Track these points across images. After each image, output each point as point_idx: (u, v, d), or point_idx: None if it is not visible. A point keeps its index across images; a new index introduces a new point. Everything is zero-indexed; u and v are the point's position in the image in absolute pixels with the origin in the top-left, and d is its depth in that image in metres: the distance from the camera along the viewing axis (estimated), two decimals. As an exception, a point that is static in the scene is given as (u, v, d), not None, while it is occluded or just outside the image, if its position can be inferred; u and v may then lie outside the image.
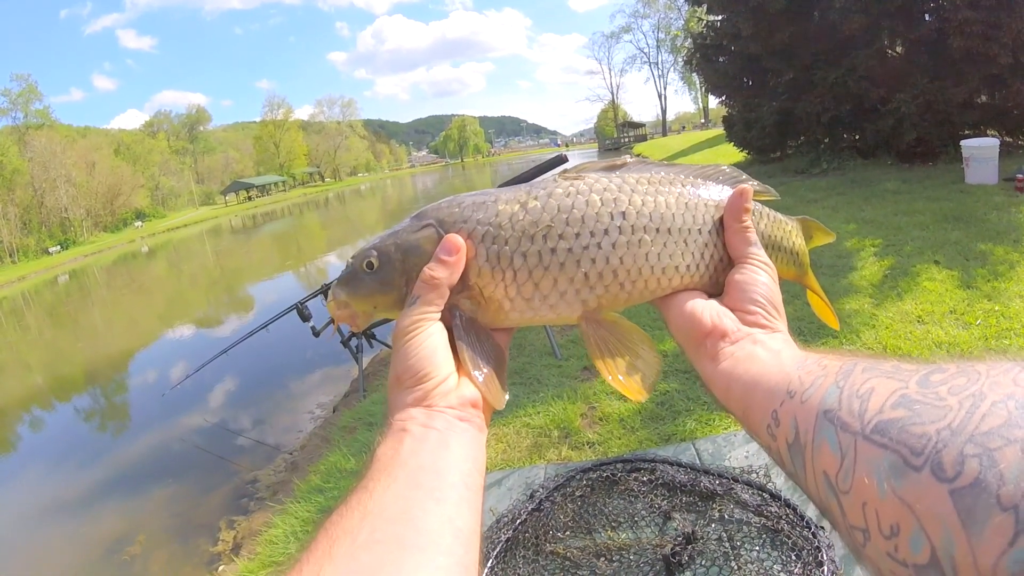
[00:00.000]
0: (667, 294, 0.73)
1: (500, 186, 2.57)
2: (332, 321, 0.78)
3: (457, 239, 0.69)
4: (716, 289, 0.73)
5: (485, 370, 0.67)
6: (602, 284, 0.69)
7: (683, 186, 0.74)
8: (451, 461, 0.59)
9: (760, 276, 0.70)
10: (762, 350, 0.63)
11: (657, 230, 0.70)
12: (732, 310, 0.69)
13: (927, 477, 0.36)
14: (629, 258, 0.69)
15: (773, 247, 0.78)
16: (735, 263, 0.73)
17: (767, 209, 0.80)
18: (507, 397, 0.68)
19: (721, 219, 0.74)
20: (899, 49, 12.32)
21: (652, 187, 0.72)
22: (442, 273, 0.67)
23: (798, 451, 0.51)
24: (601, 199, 0.70)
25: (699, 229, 0.72)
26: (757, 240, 0.73)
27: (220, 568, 4.03)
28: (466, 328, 0.69)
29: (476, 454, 0.62)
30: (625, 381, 0.68)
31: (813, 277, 0.87)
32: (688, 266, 0.72)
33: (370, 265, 0.72)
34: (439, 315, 0.68)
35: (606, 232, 0.69)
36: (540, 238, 0.69)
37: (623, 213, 0.70)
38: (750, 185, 0.76)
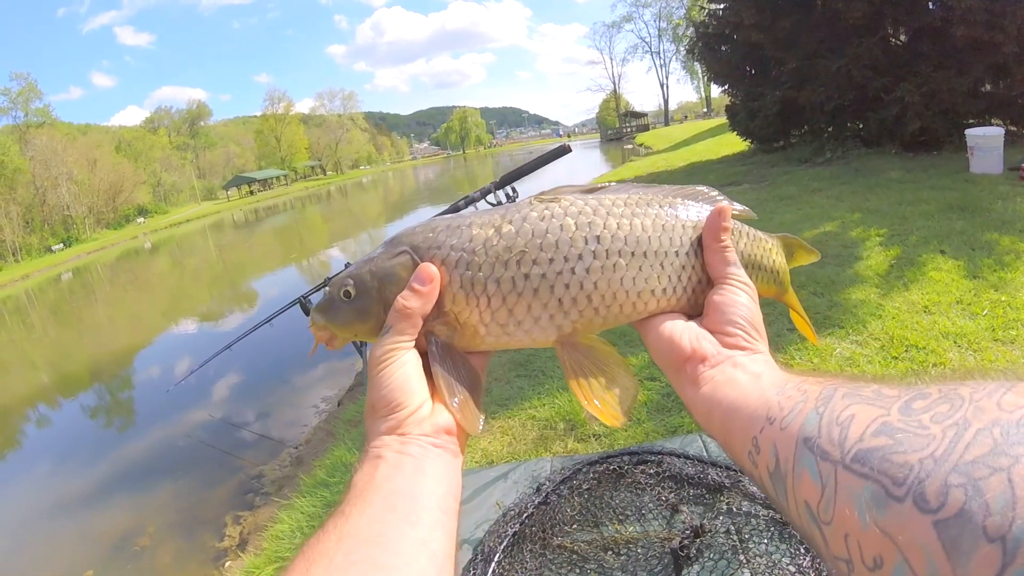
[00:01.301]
0: (645, 317, 0.72)
1: (503, 177, 2.53)
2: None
3: (430, 268, 0.69)
4: (696, 310, 0.72)
5: (460, 396, 0.67)
6: (576, 309, 0.69)
7: (660, 207, 0.73)
8: (426, 486, 0.60)
9: (740, 297, 0.69)
10: (742, 374, 0.62)
11: (632, 254, 0.69)
12: (712, 332, 0.68)
13: (910, 508, 0.36)
14: (604, 283, 0.69)
15: (753, 266, 0.78)
16: (714, 283, 0.72)
17: (747, 227, 0.79)
18: (483, 423, 0.68)
19: (699, 240, 0.73)
20: (903, 38, 12.26)
21: (628, 209, 0.72)
22: (415, 303, 0.68)
23: (779, 479, 0.50)
24: (576, 223, 0.70)
25: (676, 251, 0.71)
26: (737, 260, 0.72)
27: (227, 564, 4.05)
28: (442, 354, 0.69)
29: (451, 479, 0.63)
30: (600, 406, 0.68)
31: (794, 295, 0.87)
32: (665, 289, 0.71)
33: (347, 294, 0.72)
34: (412, 344, 0.68)
35: (580, 257, 0.68)
36: (514, 264, 0.68)
37: (598, 237, 0.69)
38: (729, 204, 0.75)
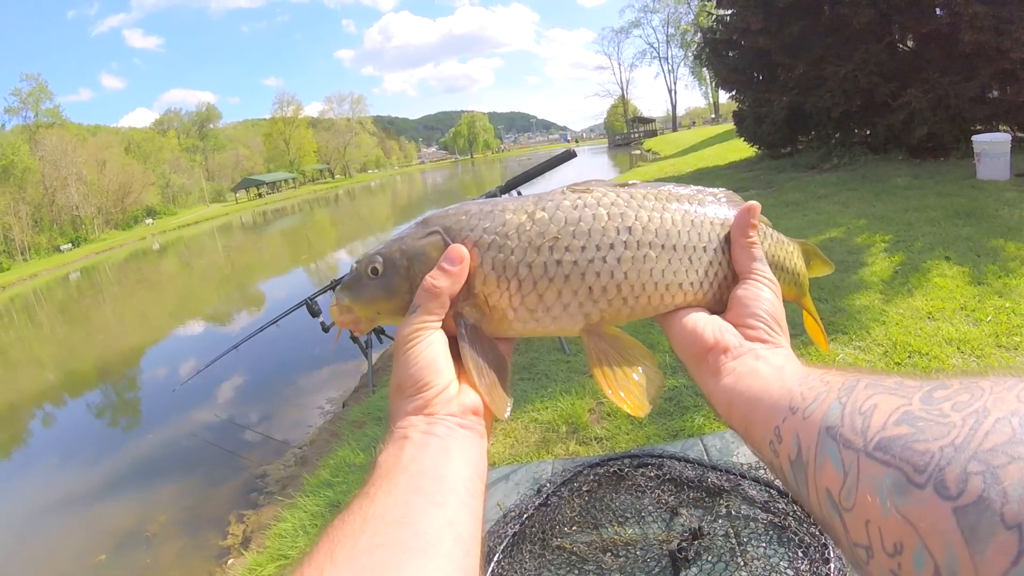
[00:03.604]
0: (670, 310, 0.73)
1: (508, 181, 2.57)
2: (334, 324, 0.78)
3: (461, 249, 0.69)
4: (719, 307, 0.73)
5: (488, 378, 0.67)
6: (606, 298, 0.69)
7: (689, 203, 0.74)
8: (452, 467, 0.59)
9: (763, 292, 0.70)
10: (764, 365, 0.63)
11: (663, 246, 0.70)
12: (735, 325, 0.69)
13: (930, 495, 0.36)
14: (634, 273, 0.69)
15: (776, 266, 0.78)
16: (739, 279, 0.73)
17: (771, 229, 0.80)
18: (510, 406, 0.68)
19: (726, 237, 0.74)
20: (910, 43, 12.22)
21: (659, 203, 0.73)
22: (444, 282, 0.67)
23: (800, 468, 0.50)
24: (608, 213, 0.70)
25: (704, 247, 0.73)
26: (763, 256, 0.73)
27: (229, 562, 4.06)
28: (470, 336, 0.69)
29: (477, 460, 0.62)
30: (625, 396, 0.68)
31: (810, 300, 0.88)
32: (692, 283, 0.72)
33: (375, 271, 0.72)
34: (440, 324, 0.68)
35: (612, 246, 0.69)
36: (546, 249, 0.69)
37: (629, 228, 0.70)
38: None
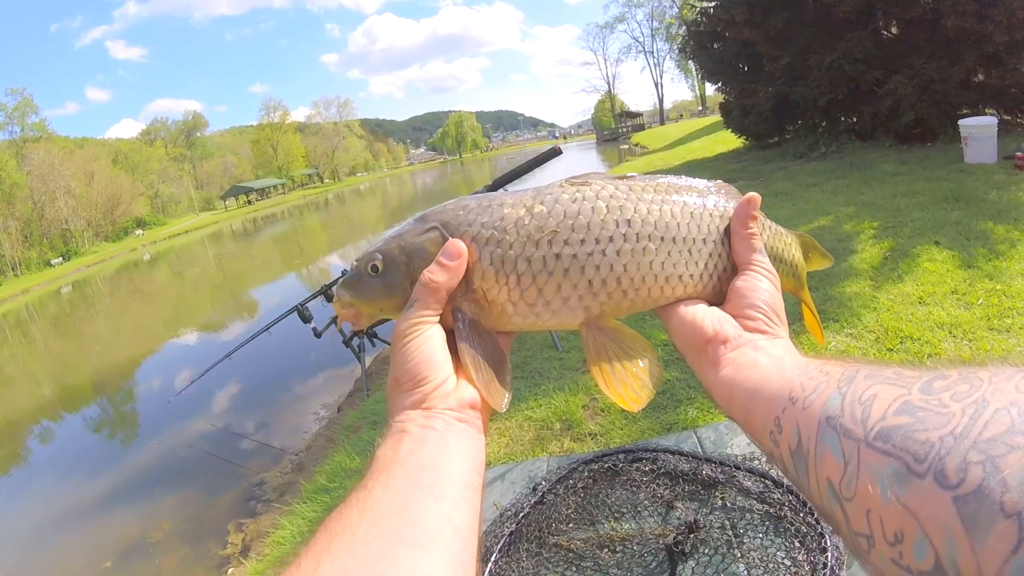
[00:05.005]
0: (669, 302, 0.73)
1: (496, 180, 2.55)
2: (334, 320, 0.78)
3: (459, 244, 0.69)
4: (719, 299, 0.73)
5: (486, 372, 0.67)
6: (605, 291, 0.69)
7: (689, 195, 0.74)
8: (450, 460, 0.59)
9: (762, 283, 0.71)
10: (763, 356, 0.63)
11: (662, 239, 0.70)
12: (734, 316, 0.69)
13: (930, 484, 0.36)
14: (633, 266, 0.69)
15: (774, 258, 0.78)
16: (739, 270, 0.73)
17: (770, 221, 0.80)
18: (508, 399, 0.68)
19: (725, 230, 0.74)
20: (894, 30, 12.26)
21: (658, 195, 0.72)
22: (441, 277, 0.67)
23: (801, 458, 0.51)
24: (607, 206, 0.70)
25: (703, 239, 0.73)
26: (762, 247, 0.73)
27: (229, 571, 4.06)
28: (468, 330, 0.69)
29: (475, 454, 0.63)
30: (622, 390, 0.68)
31: (808, 292, 0.89)
32: (692, 275, 0.72)
33: (375, 268, 0.72)
34: (437, 318, 0.68)
35: (611, 239, 0.69)
36: (545, 243, 0.69)
37: (628, 221, 0.70)
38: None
